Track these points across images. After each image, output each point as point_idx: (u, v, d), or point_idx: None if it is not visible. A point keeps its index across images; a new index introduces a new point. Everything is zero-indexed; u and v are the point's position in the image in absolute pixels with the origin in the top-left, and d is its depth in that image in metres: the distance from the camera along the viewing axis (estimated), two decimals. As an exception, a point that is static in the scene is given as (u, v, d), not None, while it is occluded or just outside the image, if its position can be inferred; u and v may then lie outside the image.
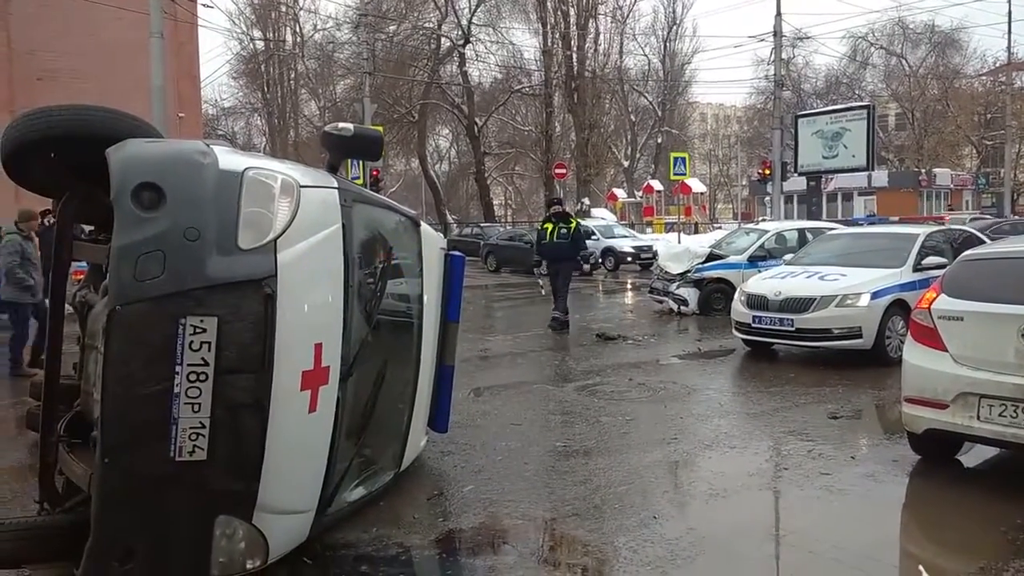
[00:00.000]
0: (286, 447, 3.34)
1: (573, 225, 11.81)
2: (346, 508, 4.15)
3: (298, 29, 48.41)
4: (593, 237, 25.50)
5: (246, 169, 3.46)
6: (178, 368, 3.04)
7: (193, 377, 3.06)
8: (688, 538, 4.06)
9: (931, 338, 5.03)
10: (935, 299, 5.13)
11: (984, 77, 47.77)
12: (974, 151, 50.84)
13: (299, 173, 3.72)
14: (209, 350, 3.09)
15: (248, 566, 3.36)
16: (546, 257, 12.03)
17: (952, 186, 47.59)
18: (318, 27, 45.33)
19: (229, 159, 3.49)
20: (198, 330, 3.08)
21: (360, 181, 23.12)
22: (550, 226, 11.81)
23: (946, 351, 4.91)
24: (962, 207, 45.28)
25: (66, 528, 3.35)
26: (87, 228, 4.63)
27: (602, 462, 5.35)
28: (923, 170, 45.93)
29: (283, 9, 47.82)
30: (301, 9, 46.63)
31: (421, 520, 4.38)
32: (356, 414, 4.07)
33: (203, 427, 3.08)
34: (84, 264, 4.65)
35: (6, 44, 21.74)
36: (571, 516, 4.39)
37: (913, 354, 5.18)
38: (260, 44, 48.60)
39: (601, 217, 33.65)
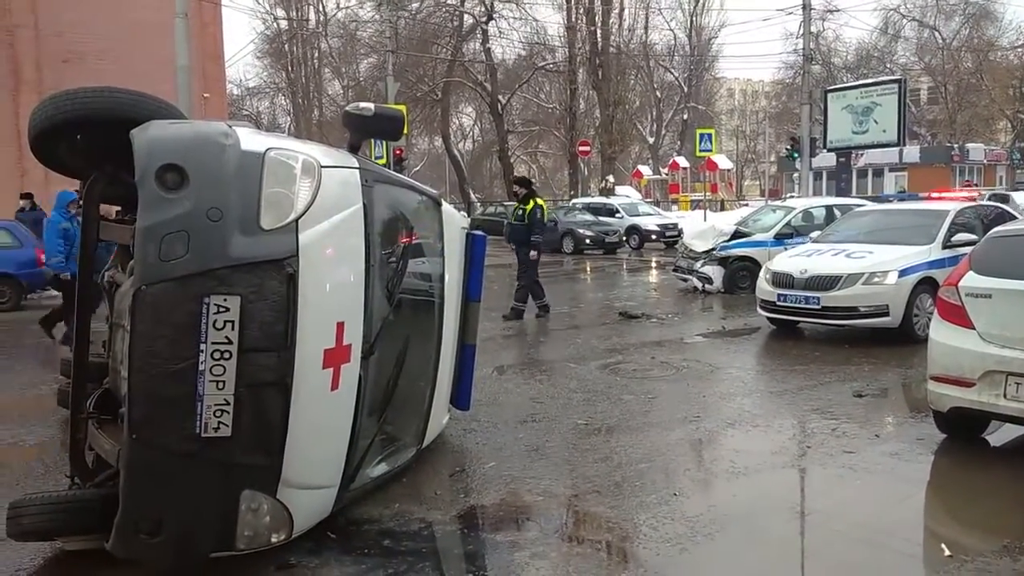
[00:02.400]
0: (309, 424, 3.39)
1: (529, 207, 10.88)
2: (369, 484, 4.22)
3: (321, 8, 48.42)
4: (617, 215, 25.42)
5: (267, 150, 3.49)
6: (202, 346, 3.10)
7: (217, 355, 3.11)
8: (709, 515, 4.08)
9: (958, 316, 4.98)
10: (963, 276, 5.07)
11: (1020, 49, 46.56)
12: (1009, 125, 49.69)
13: (320, 153, 3.74)
14: (232, 328, 3.13)
15: (273, 540, 3.43)
16: (507, 239, 11.75)
17: (986, 161, 46.63)
18: (341, 5, 45.40)
19: (251, 140, 3.52)
20: (222, 309, 3.12)
21: (383, 160, 23.17)
22: (515, 206, 11.34)
23: (973, 329, 4.87)
24: (995, 182, 44.38)
25: (96, 502, 3.43)
26: (114, 208, 4.70)
27: (624, 440, 5.37)
28: (956, 145, 45.04)
29: (306, -12, 47.79)
30: (324, -13, 46.56)
31: (443, 496, 4.43)
32: (378, 391, 4.12)
33: (227, 404, 3.13)
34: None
35: (33, 26, 21.98)
36: (592, 493, 4.42)
37: (940, 332, 5.13)
38: (284, 24, 48.67)
39: (625, 195, 33.49)
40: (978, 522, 4.18)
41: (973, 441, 5.29)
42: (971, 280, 5.00)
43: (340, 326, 3.54)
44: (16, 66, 21.88)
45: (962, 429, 5.26)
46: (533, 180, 13.21)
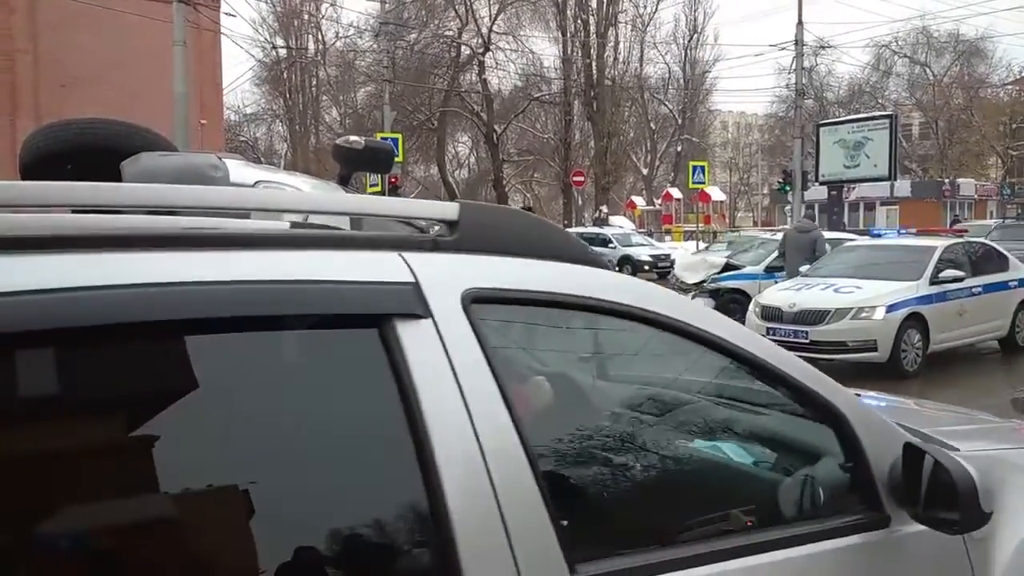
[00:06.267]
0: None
1: None
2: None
3: (320, 37, 48.92)
4: (610, 245, 25.55)
5: (256, 182, 3.53)
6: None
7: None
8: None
9: None
10: None
11: (1010, 87, 47.30)
12: (999, 161, 50.31)
13: (309, 186, 3.79)
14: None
15: None
16: None
17: (976, 196, 47.12)
18: (340, 35, 45.77)
19: (240, 172, 3.56)
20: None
21: (378, 188, 23.34)
22: None
23: None
24: (986, 217, 44.82)
25: None
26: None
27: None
28: (947, 180, 45.53)
29: (305, 17, 48.36)
30: (323, 17, 47.13)
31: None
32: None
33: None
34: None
35: (32, 51, 22.17)
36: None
37: None
38: (283, 52, 49.13)
39: (619, 225, 33.67)
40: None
41: None
42: None
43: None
44: (14, 91, 22.04)
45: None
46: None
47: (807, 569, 1.67)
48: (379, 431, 1.40)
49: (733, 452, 1.99)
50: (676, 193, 42.13)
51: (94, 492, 1.21)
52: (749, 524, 1.71)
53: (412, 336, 1.36)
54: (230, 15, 46.75)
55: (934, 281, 9.02)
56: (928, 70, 48.07)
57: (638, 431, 2.05)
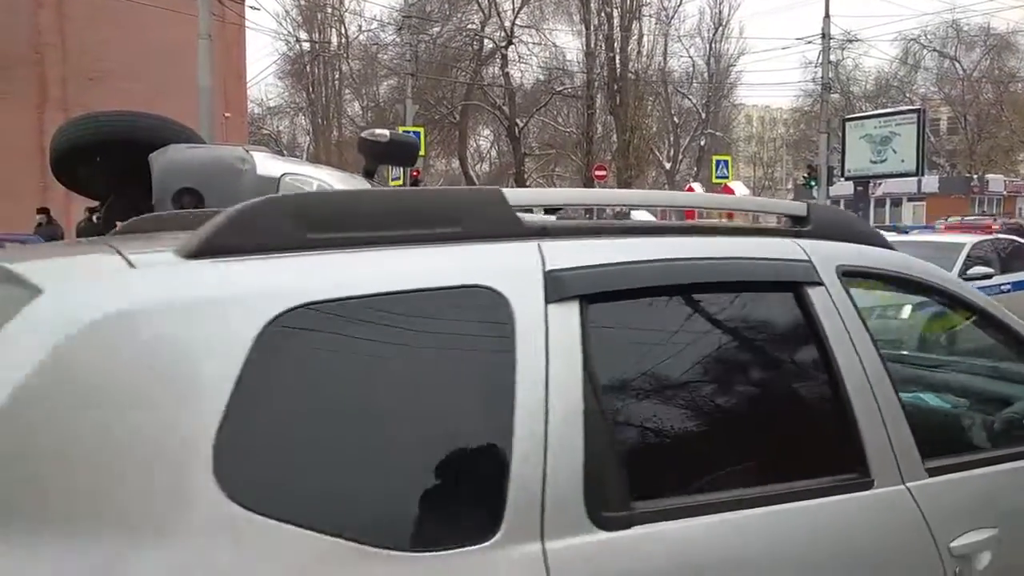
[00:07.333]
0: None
1: None
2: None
3: (343, 30, 49.05)
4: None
5: (283, 175, 3.55)
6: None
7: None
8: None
9: None
10: None
11: (1041, 81, 46.44)
12: (1029, 157, 49.48)
13: (334, 178, 3.80)
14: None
15: None
16: None
17: (1005, 192, 46.43)
18: (363, 28, 45.88)
19: (267, 165, 3.59)
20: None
21: (400, 181, 23.40)
22: None
23: None
24: (1015, 213, 44.14)
25: None
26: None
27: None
28: (975, 176, 44.87)
29: (329, 11, 48.53)
30: (346, 11, 47.26)
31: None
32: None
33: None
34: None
35: (60, 44, 22.43)
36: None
37: None
38: (306, 45, 49.36)
39: (641, 219, 33.54)
40: None
41: None
42: None
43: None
44: (43, 83, 22.32)
45: None
46: None
47: None
48: (809, 361, 1.98)
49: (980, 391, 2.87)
50: (699, 188, 41.78)
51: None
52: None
53: (816, 298, 1.93)
54: (254, 8, 47.03)
55: (962, 278, 8.88)
56: (957, 64, 47.30)
57: (927, 375, 3.10)
